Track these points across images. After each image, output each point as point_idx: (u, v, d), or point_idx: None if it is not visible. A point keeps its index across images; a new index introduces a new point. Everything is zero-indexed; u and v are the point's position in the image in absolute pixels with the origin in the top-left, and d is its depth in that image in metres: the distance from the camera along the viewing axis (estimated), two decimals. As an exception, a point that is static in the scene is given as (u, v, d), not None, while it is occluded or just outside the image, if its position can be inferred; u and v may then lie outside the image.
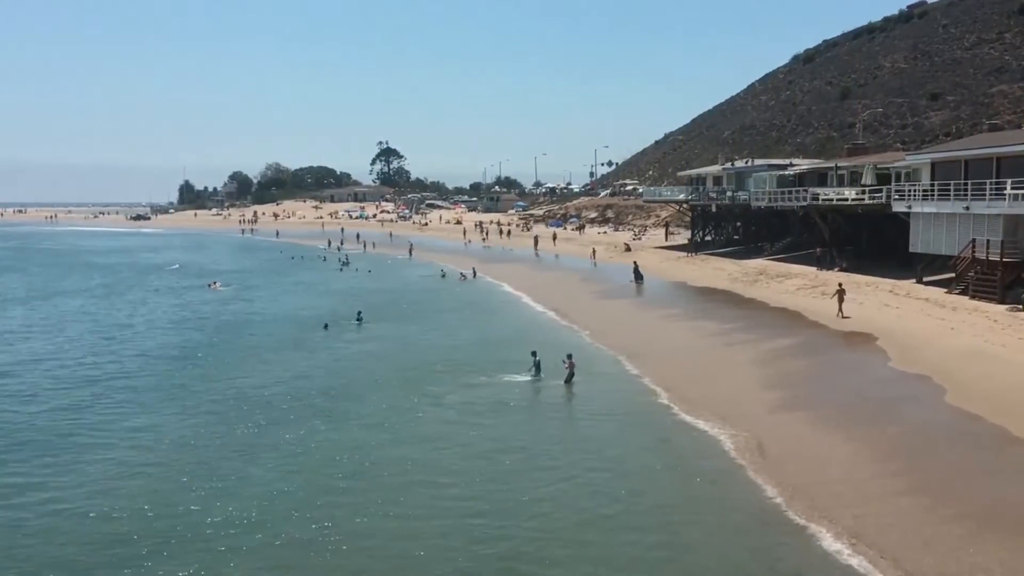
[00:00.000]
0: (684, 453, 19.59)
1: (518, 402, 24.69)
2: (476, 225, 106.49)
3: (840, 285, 35.94)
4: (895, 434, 19.50)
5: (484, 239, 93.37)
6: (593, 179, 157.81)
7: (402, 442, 20.76)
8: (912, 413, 21.05)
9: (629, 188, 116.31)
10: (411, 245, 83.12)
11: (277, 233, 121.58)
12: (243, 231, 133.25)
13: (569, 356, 26.58)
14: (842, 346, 29.65)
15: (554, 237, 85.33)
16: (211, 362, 30.85)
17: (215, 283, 55.84)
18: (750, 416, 21.94)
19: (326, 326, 38.10)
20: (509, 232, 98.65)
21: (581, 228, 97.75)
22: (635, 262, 54.55)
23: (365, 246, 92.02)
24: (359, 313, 40.50)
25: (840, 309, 34.26)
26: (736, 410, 22.52)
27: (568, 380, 25.78)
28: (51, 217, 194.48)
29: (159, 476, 18.44)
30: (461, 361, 30.33)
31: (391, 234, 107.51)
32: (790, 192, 54.54)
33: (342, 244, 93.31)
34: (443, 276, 60.00)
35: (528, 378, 26.60)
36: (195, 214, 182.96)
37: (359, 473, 18.52)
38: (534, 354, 27.06)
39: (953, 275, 36.91)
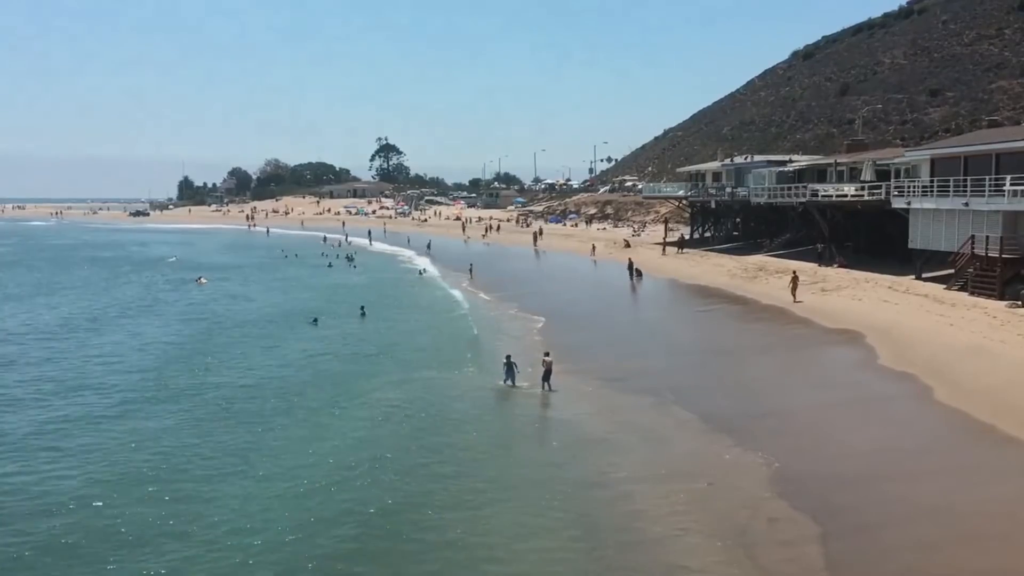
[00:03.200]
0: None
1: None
2: (463, 222, 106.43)
3: (794, 273, 40.05)
4: (868, 435, 19.35)
5: (483, 236, 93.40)
6: (592, 175, 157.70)
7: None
8: (895, 412, 20.94)
9: (628, 184, 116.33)
10: (429, 242, 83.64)
11: (268, 231, 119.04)
12: (250, 227, 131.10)
13: (547, 354, 26.07)
14: (826, 344, 29.47)
15: (540, 232, 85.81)
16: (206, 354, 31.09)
17: (200, 278, 56.28)
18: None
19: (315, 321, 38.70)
20: (499, 228, 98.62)
21: (588, 223, 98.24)
22: (630, 259, 54.37)
23: (371, 239, 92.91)
24: (362, 308, 40.88)
25: (794, 295, 37.56)
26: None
27: (545, 378, 25.19)
28: (57, 213, 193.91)
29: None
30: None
31: (384, 230, 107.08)
32: (789, 188, 54.51)
33: (349, 241, 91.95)
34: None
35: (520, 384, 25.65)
36: (189, 211, 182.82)
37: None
38: (547, 354, 26.43)
39: (952, 271, 36.90)
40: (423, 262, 68.19)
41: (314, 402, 24.04)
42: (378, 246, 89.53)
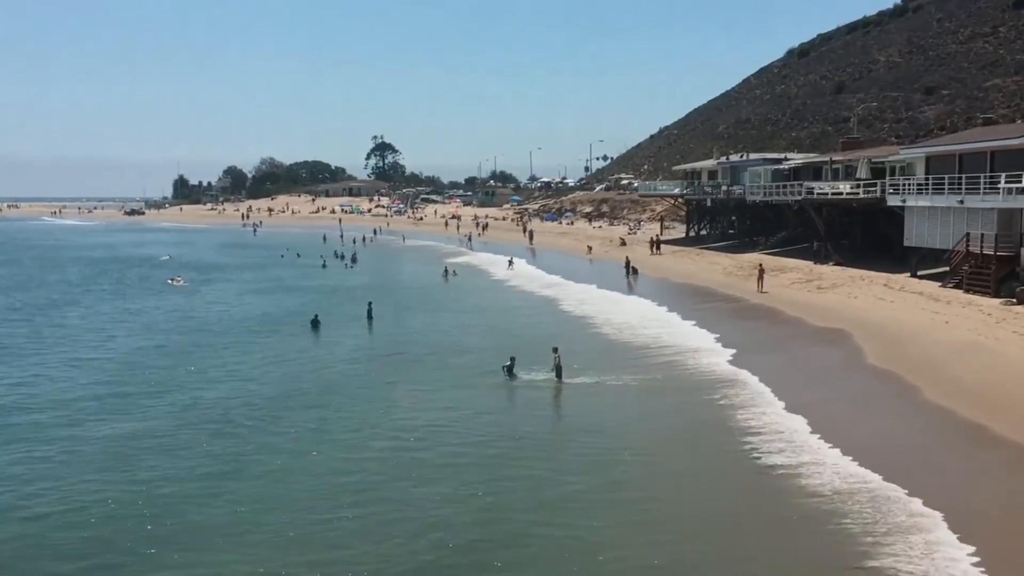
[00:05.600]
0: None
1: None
2: (457, 221, 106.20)
3: (760, 265, 42.91)
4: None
5: (479, 234, 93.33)
6: (588, 173, 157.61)
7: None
8: (879, 411, 20.81)
9: (624, 182, 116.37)
10: (469, 234, 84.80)
11: (255, 230, 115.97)
12: (254, 227, 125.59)
13: (555, 349, 25.88)
14: (815, 343, 29.24)
15: (525, 230, 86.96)
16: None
17: (177, 279, 54.89)
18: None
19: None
20: (487, 226, 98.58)
21: (589, 220, 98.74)
22: (627, 257, 54.88)
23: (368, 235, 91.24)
24: (369, 304, 38.46)
25: (760, 286, 40.48)
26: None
27: (557, 374, 25.32)
28: (56, 212, 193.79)
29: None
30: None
31: (381, 229, 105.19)
32: (785, 186, 54.56)
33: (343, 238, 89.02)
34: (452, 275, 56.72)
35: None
36: (181, 209, 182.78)
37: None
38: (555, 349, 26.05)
39: (947, 269, 36.98)
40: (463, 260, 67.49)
41: (310, 417, 22.01)
42: (412, 242, 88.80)
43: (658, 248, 62.66)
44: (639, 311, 38.63)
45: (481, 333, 34.53)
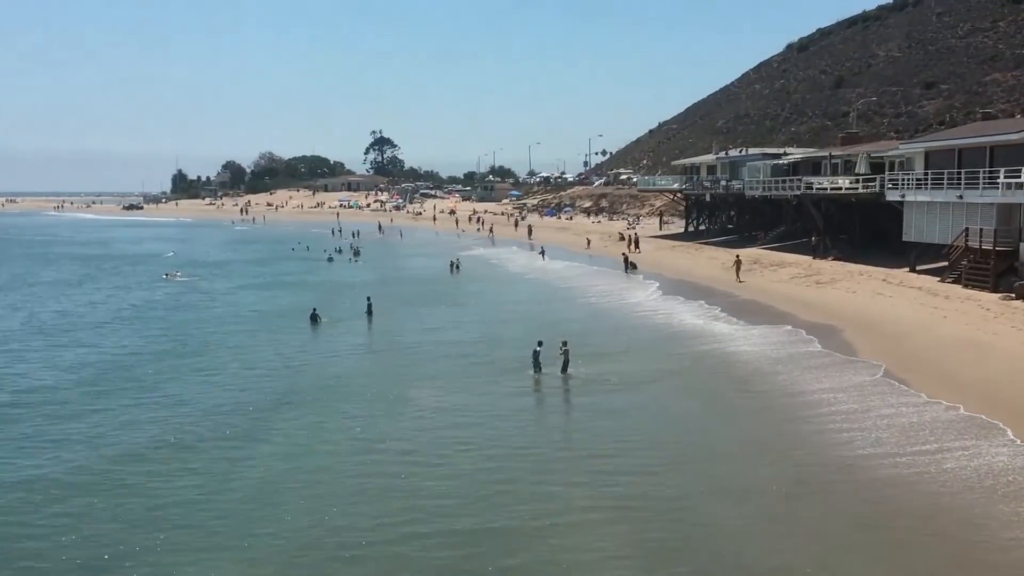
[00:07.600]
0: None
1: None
2: (438, 213, 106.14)
3: (737, 256, 45.78)
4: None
5: (478, 229, 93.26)
6: (587, 168, 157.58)
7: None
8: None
9: (623, 177, 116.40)
10: (491, 227, 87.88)
11: (234, 223, 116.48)
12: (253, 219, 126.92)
13: (564, 343, 25.57)
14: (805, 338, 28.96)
15: (517, 225, 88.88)
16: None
17: (175, 273, 54.53)
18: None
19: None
20: (480, 220, 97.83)
21: (591, 214, 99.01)
22: (623, 253, 54.93)
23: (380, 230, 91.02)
24: (369, 300, 37.21)
25: (737, 276, 43.32)
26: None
27: (563, 368, 25.25)
28: (59, 207, 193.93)
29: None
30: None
31: (382, 225, 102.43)
32: (784, 181, 54.51)
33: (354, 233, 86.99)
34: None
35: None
36: (176, 204, 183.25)
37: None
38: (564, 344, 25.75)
39: (946, 264, 36.99)
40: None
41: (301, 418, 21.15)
42: (410, 237, 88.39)
43: (636, 246, 60.57)
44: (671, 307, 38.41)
45: (502, 327, 34.03)
